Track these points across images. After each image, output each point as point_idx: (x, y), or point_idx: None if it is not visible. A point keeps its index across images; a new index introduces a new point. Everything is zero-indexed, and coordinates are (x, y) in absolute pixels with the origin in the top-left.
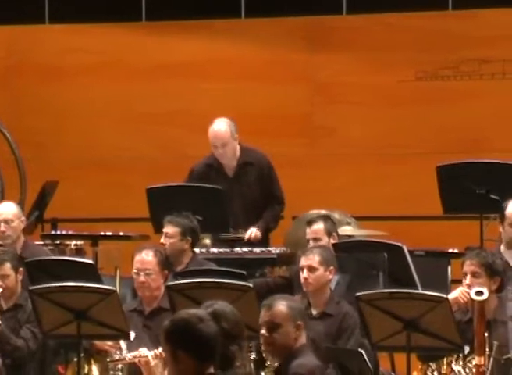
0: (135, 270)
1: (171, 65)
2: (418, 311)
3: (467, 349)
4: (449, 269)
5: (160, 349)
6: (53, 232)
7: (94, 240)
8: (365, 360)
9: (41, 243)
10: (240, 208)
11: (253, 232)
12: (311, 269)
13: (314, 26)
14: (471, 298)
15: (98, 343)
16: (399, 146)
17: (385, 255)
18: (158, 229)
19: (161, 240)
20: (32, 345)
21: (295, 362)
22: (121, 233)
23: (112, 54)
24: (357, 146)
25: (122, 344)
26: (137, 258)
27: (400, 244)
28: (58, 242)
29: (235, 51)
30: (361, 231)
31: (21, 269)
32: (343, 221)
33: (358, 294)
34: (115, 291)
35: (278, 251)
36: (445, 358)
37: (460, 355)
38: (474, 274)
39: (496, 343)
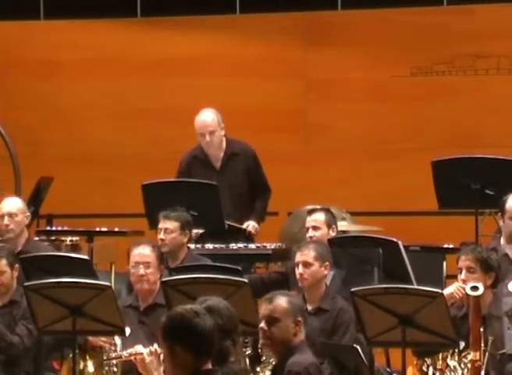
0: (133, 264)
1: (165, 61)
2: (413, 306)
3: (462, 344)
4: (445, 264)
5: (155, 346)
6: (48, 228)
7: (90, 236)
8: (360, 355)
9: (36, 239)
10: (228, 199)
11: (250, 224)
12: (306, 264)
13: (309, 22)
14: (466, 294)
15: (93, 339)
16: (393, 142)
17: (381, 250)
18: (153, 225)
19: (160, 236)
20: (27, 342)
21: (291, 359)
22: (116, 229)
23: (107, 50)
24: (351, 142)
25: (117, 339)
26: (135, 251)
27: (395, 240)
28: (53, 238)
29: (230, 47)
30: (356, 227)
31: (17, 265)
32: (338, 216)
33: (353, 289)
34: (110, 287)
35: (273, 246)
36: (440, 354)
37: (456, 350)
38: (469, 269)
39: (491, 338)
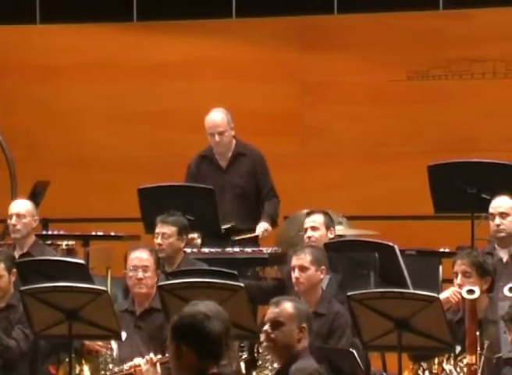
0: (131, 267)
1: (162, 65)
2: (410, 310)
3: (458, 349)
4: (441, 268)
5: (151, 354)
6: (44, 232)
7: (86, 240)
8: (356, 360)
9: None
10: (229, 198)
11: (261, 227)
12: (303, 268)
13: (305, 26)
14: (462, 298)
15: (89, 343)
16: (390, 145)
17: (377, 254)
18: (150, 229)
19: (158, 241)
20: (23, 346)
21: (295, 365)
22: (112, 234)
23: (103, 54)
24: (347, 145)
25: (113, 344)
26: (133, 255)
27: (391, 244)
28: (49, 242)
29: (226, 50)
30: (352, 231)
31: (14, 270)
32: (334, 221)
33: (349, 293)
34: (106, 291)
35: (269, 250)
36: (436, 358)
37: (452, 354)
38: (465, 274)
39: (487, 342)
